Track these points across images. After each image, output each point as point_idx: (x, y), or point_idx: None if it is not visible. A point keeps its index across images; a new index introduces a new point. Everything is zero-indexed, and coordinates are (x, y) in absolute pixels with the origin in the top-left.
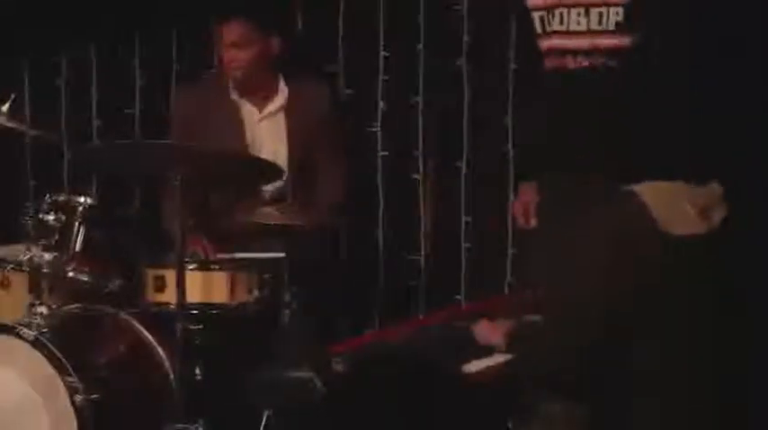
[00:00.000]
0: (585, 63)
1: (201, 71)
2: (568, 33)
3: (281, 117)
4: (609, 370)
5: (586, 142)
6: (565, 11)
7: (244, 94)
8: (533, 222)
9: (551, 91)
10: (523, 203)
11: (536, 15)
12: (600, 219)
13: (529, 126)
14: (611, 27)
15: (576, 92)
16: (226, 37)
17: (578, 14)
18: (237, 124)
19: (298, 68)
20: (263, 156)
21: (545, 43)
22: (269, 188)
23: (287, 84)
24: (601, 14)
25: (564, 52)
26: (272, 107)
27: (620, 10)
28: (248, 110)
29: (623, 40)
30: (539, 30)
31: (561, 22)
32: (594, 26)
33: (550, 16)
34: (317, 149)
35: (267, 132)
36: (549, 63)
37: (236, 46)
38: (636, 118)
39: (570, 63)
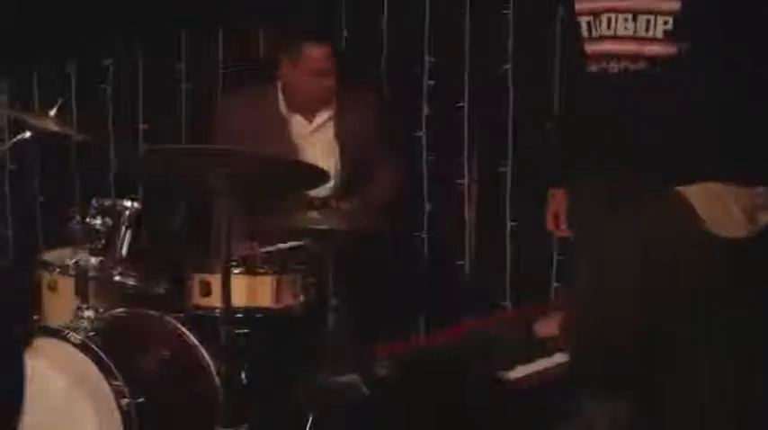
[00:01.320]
0: (630, 68)
1: (247, 77)
2: (615, 38)
3: (329, 127)
4: (653, 370)
5: (630, 145)
6: (613, 16)
7: (294, 110)
8: (564, 229)
9: (595, 94)
10: (554, 211)
11: (583, 20)
12: (647, 220)
13: (568, 128)
14: (659, 35)
15: (621, 95)
16: (311, 62)
17: (626, 20)
18: (286, 138)
19: (344, 77)
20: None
21: (591, 47)
22: (316, 193)
23: (336, 93)
24: (648, 21)
25: (609, 56)
26: (320, 119)
27: (669, 19)
28: (298, 123)
29: (670, 49)
30: (585, 34)
31: (609, 27)
32: (642, 32)
33: (598, 21)
34: (367, 155)
35: (316, 144)
36: (595, 66)
37: (322, 73)
38: (681, 122)
39: (615, 67)
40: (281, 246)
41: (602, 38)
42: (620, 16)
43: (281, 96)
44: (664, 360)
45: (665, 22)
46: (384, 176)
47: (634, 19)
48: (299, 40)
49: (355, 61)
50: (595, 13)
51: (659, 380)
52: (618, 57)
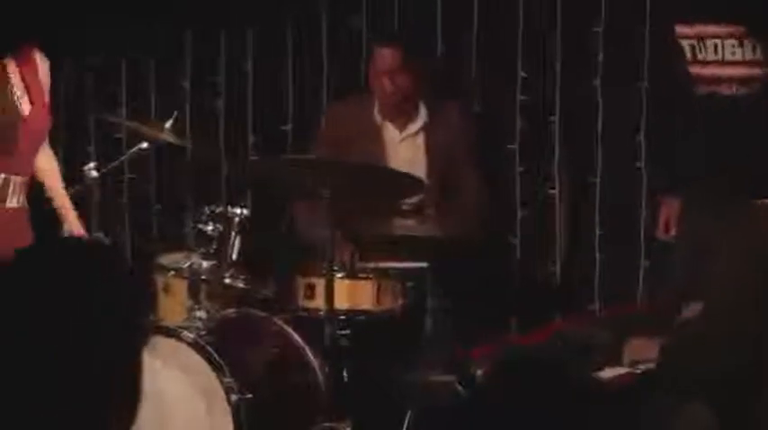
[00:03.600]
0: (740, 90)
1: (351, 89)
2: (723, 63)
3: (420, 137)
4: (753, 379)
5: (739, 162)
6: (718, 42)
7: (387, 117)
8: (673, 233)
9: (704, 114)
10: (665, 218)
11: (686, 43)
12: (748, 233)
13: (674, 145)
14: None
15: (731, 116)
16: (381, 63)
17: (733, 45)
18: (379, 145)
19: (438, 90)
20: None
21: (698, 70)
22: (410, 201)
23: (428, 104)
24: (755, 45)
25: (719, 80)
26: (412, 128)
27: None
28: (390, 131)
29: None
30: (689, 57)
31: (716, 52)
32: (749, 56)
33: (702, 45)
34: (456, 166)
35: (407, 152)
36: (704, 89)
37: (391, 73)
38: None
39: (725, 89)
40: (406, 265)
41: (709, 62)
42: (727, 42)
43: (376, 104)
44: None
45: None
46: (470, 186)
47: (741, 44)
48: (372, 40)
49: (450, 73)
50: (700, 38)
51: (755, 392)
52: (728, 80)
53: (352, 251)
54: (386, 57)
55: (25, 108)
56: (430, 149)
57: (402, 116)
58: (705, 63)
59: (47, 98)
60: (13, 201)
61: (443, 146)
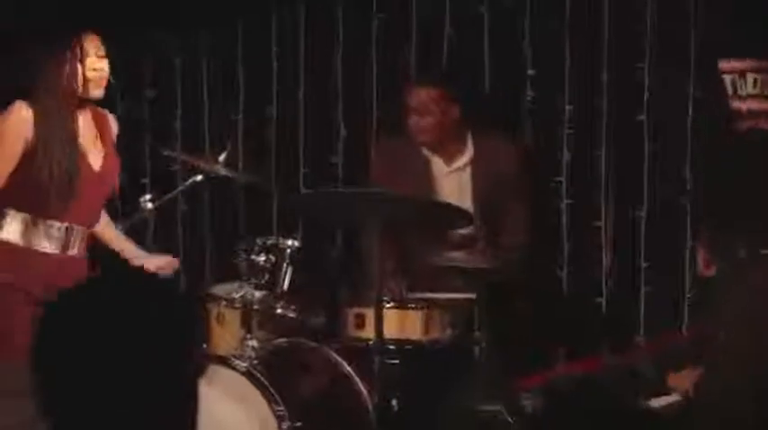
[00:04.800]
0: None
1: (399, 124)
2: (764, 97)
3: (467, 171)
4: None
5: None
6: (758, 76)
7: (434, 151)
8: (713, 270)
9: (746, 148)
10: (705, 252)
11: (727, 78)
12: None
13: (717, 179)
14: None
15: None
16: (410, 101)
17: None
18: (427, 178)
19: (485, 125)
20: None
21: (738, 105)
22: (458, 233)
23: (475, 139)
24: None
25: (759, 114)
26: (459, 162)
27: None
28: (437, 165)
29: None
30: (730, 91)
31: (755, 86)
32: None
33: (742, 80)
34: (503, 199)
35: (454, 186)
36: (744, 124)
37: (418, 112)
38: None
39: (765, 124)
40: (454, 296)
41: (748, 96)
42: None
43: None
44: None
45: None
46: (517, 219)
47: None
48: (403, 85)
49: (497, 107)
50: (740, 73)
51: None
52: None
53: (401, 282)
54: (413, 96)
55: (96, 162)
56: (477, 182)
57: (449, 150)
58: (745, 98)
59: (115, 153)
60: (74, 250)
61: (490, 179)
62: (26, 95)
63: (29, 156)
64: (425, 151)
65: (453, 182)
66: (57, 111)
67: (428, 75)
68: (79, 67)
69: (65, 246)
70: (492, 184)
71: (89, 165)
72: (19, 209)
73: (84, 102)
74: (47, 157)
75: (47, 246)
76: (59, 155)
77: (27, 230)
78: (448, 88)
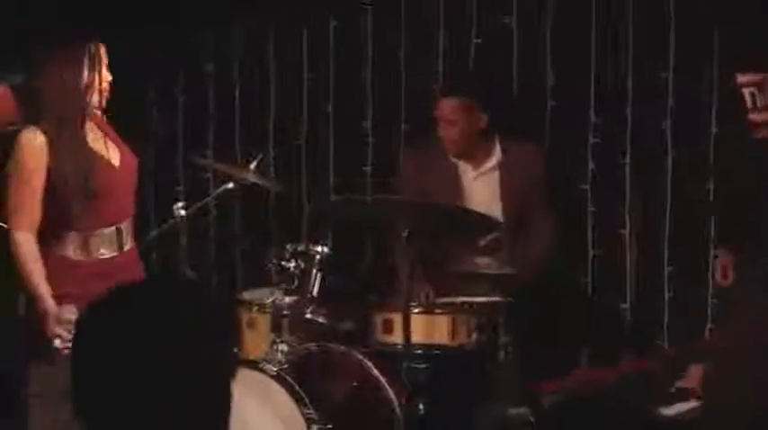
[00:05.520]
0: None
1: (426, 132)
2: None
3: (495, 175)
4: None
5: None
6: None
7: (461, 157)
8: (730, 280)
9: (761, 159)
10: (723, 265)
11: (746, 91)
12: None
13: (733, 191)
14: None
15: None
16: (440, 111)
17: None
18: (455, 182)
19: (513, 131)
20: (480, 211)
21: (756, 116)
22: (486, 239)
23: (503, 144)
24: None
25: None
26: (487, 166)
27: None
28: (465, 170)
29: None
30: (749, 104)
31: None
32: None
33: (761, 93)
34: (530, 205)
35: (483, 190)
36: (761, 134)
37: (446, 122)
38: None
39: None
40: (480, 300)
41: (764, 108)
42: None
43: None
44: None
45: None
46: (544, 225)
47: None
48: (435, 95)
49: (523, 115)
50: (758, 85)
51: None
52: None
53: (429, 287)
54: (443, 106)
55: (114, 158)
56: (504, 186)
57: (477, 155)
58: (762, 109)
59: (124, 144)
60: (128, 244)
61: (517, 183)
62: (36, 111)
63: (51, 177)
64: (453, 158)
65: (483, 186)
66: (70, 126)
67: (455, 85)
68: (96, 79)
69: (120, 246)
70: (519, 187)
71: (110, 164)
72: (63, 227)
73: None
74: (68, 174)
75: (105, 253)
76: (79, 169)
77: (84, 244)
78: (475, 98)
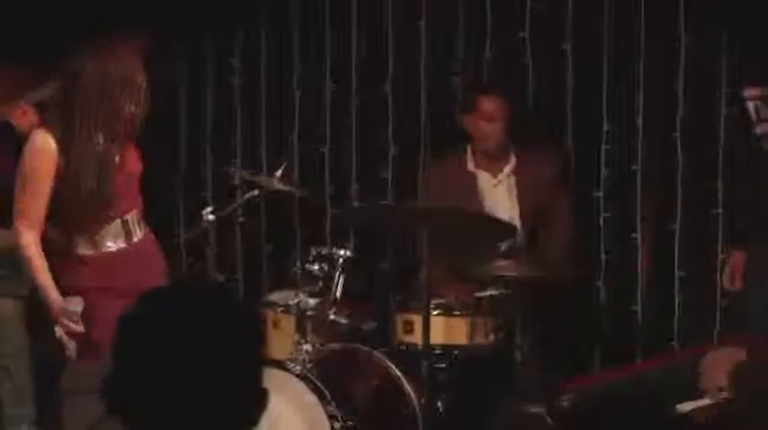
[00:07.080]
0: None
1: (444, 140)
2: None
3: (512, 180)
4: None
5: None
6: None
7: (480, 165)
8: (738, 285)
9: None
10: (733, 268)
11: (751, 104)
12: None
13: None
14: None
15: None
16: (483, 109)
17: None
18: (475, 192)
19: (527, 138)
20: (500, 216)
21: (761, 128)
22: (505, 243)
23: (517, 151)
24: None
25: None
26: (505, 171)
27: None
28: (484, 177)
29: None
30: (753, 116)
31: None
32: None
33: (765, 105)
34: (546, 208)
35: (501, 195)
36: (766, 146)
37: (491, 118)
38: None
39: None
40: (485, 294)
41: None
42: None
43: (469, 155)
44: None
45: None
46: (558, 228)
47: None
48: (474, 94)
49: (539, 122)
50: (763, 98)
51: None
52: None
53: (457, 290)
54: (486, 103)
55: (121, 159)
56: (521, 189)
57: (495, 163)
58: (765, 122)
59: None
60: (138, 234)
61: (533, 186)
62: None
63: (59, 178)
64: (471, 167)
65: (501, 191)
66: (80, 128)
67: (496, 85)
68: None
69: (128, 236)
70: (534, 192)
71: (118, 167)
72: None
73: None
74: (80, 176)
75: (111, 245)
76: (91, 170)
77: (90, 240)
78: (509, 100)
